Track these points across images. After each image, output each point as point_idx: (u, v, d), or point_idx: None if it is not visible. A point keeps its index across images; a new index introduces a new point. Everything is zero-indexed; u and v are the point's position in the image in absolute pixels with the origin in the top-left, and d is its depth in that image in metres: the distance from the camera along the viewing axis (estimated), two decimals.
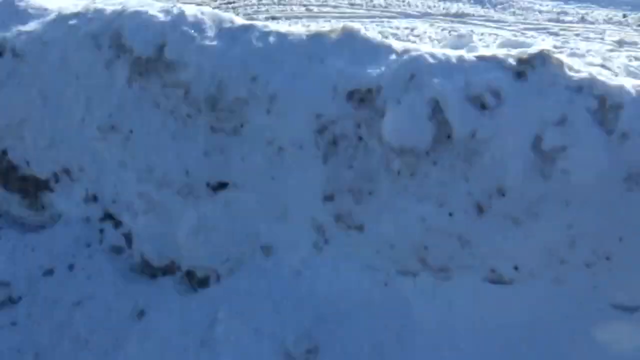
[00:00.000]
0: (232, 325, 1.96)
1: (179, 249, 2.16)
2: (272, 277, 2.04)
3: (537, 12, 5.59)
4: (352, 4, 5.65)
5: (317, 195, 2.00)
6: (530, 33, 5.00)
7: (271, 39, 2.15)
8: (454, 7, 5.64)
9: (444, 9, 5.60)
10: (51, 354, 2.06)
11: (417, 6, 5.67)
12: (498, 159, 1.83)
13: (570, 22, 5.36)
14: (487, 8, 5.69)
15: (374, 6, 5.61)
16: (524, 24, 5.27)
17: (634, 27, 5.30)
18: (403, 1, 5.79)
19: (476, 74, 1.94)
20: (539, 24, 5.26)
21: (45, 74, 2.38)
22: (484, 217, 1.83)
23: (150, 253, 2.22)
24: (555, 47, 4.54)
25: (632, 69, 3.53)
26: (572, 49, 4.46)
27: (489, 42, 4.63)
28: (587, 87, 1.91)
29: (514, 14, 5.57)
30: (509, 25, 5.19)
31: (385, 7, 5.63)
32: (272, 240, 2.08)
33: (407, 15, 5.40)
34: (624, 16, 5.58)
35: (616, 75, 3.16)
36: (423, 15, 5.41)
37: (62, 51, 2.36)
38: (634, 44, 4.78)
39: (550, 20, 5.39)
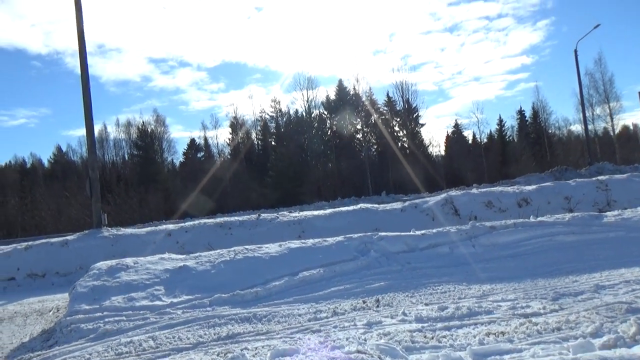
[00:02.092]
0: None
1: None
2: None
3: (297, 317, 6.25)
4: None
5: None
6: (297, 335, 5.46)
7: None
8: (224, 330, 5.89)
9: (214, 334, 5.78)
10: None
11: (188, 338, 5.72)
12: None
13: (326, 317, 6.12)
14: (255, 323, 6.12)
15: (143, 347, 5.44)
16: (290, 328, 5.78)
17: (374, 309, 6.36)
18: (173, 337, 5.80)
19: None
20: (302, 326, 5.84)
21: None
22: None
23: None
24: (320, 342, 5.02)
25: (382, 346, 4.10)
26: (334, 340, 5.00)
27: (264, 353, 4.84)
28: None
29: (278, 322, 6.10)
30: (277, 334, 5.61)
31: (156, 347, 5.51)
32: None
33: (180, 350, 5.36)
34: (364, 302, 6.69)
35: (372, 357, 3.60)
36: (196, 346, 5.45)
37: None
38: (379, 322, 5.65)
39: (309, 320, 6.06)
